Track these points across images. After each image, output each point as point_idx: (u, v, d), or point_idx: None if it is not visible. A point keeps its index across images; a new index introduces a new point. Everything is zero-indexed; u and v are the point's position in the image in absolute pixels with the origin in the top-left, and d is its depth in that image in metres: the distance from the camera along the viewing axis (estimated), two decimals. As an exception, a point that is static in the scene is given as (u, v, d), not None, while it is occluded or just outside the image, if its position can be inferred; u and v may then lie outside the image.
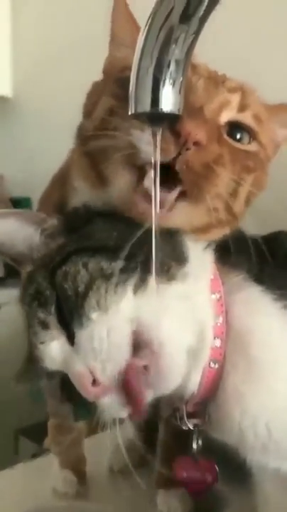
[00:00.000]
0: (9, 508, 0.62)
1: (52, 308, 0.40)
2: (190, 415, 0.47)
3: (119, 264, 0.39)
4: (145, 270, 0.39)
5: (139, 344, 0.39)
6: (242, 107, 0.42)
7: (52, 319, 0.41)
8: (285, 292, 0.44)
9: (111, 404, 0.40)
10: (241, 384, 0.43)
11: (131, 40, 0.36)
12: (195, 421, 0.47)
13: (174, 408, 0.48)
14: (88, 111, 0.45)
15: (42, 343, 0.41)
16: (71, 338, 0.40)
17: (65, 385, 0.43)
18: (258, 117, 0.43)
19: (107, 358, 0.38)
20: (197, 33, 0.30)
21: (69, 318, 0.39)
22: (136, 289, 0.39)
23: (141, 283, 0.39)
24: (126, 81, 0.37)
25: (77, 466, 0.67)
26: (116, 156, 0.40)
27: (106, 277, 0.39)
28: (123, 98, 0.39)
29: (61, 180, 0.54)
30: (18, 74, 1.75)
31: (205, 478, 0.48)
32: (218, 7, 0.29)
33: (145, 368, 0.38)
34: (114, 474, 0.70)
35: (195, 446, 0.48)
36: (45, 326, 0.41)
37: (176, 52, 0.30)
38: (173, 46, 0.29)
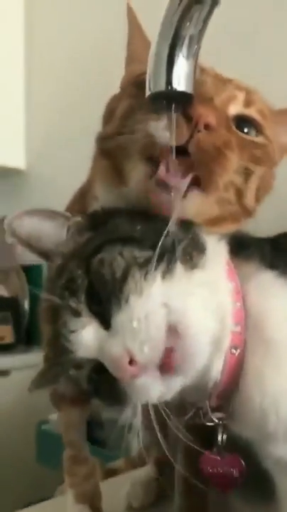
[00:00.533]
0: None
1: (83, 296, 0.42)
2: (214, 410, 0.46)
3: (149, 253, 0.42)
4: (172, 259, 0.42)
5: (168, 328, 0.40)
6: (248, 103, 0.46)
7: (83, 307, 0.42)
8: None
9: (144, 385, 0.40)
10: (261, 366, 0.44)
11: (147, 58, 0.41)
12: (219, 414, 0.46)
13: (197, 407, 0.48)
14: (107, 117, 0.49)
15: (73, 331, 0.42)
16: (105, 323, 0.41)
17: (92, 378, 0.43)
18: (263, 112, 0.47)
19: (145, 338, 0.40)
20: (209, 14, 0.35)
21: (106, 303, 0.41)
22: (164, 274, 0.42)
23: (168, 270, 0.42)
24: (143, 82, 0.42)
25: (92, 502, 0.63)
26: (134, 150, 0.44)
27: (139, 265, 0.42)
28: (140, 96, 0.43)
29: (81, 196, 0.57)
30: (32, 146, 1.83)
31: (231, 473, 0.46)
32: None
33: (171, 350, 0.40)
34: (132, 512, 0.66)
35: (219, 439, 0.47)
36: (76, 313, 0.42)
37: (191, 29, 0.34)
38: (188, 24, 0.34)
